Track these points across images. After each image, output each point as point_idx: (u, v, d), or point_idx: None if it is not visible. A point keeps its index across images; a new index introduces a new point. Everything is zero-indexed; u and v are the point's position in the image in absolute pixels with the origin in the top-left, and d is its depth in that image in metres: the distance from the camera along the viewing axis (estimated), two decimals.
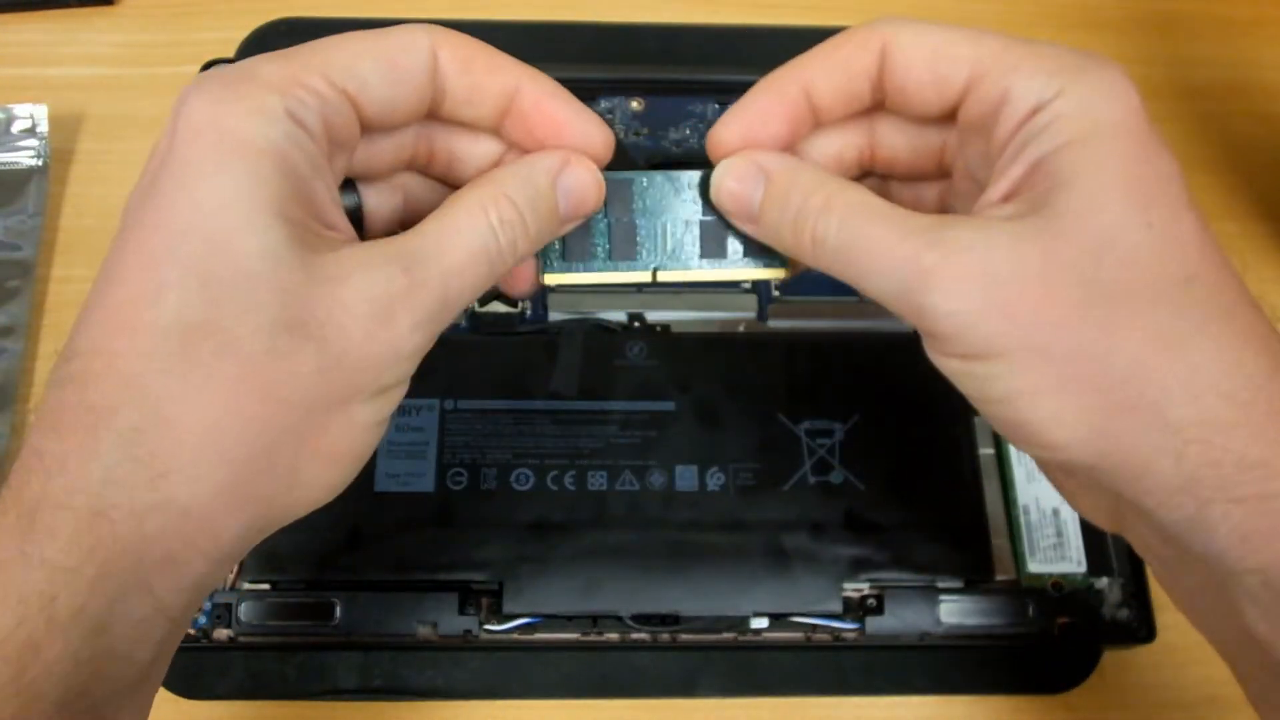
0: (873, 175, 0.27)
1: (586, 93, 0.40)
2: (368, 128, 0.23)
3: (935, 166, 0.26)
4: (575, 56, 0.44)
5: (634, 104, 0.41)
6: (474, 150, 0.25)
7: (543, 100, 0.24)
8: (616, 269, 0.28)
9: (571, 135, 0.24)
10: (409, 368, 0.22)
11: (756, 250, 0.28)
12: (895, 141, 0.26)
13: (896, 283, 0.22)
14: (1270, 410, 0.20)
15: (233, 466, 0.20)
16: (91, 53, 0.43)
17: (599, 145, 0.25)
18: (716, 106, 0.41)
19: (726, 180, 0.25)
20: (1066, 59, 0.22)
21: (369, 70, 0.22)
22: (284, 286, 0.20)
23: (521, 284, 0.26)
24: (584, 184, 0.25)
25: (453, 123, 0.25)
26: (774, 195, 0.24)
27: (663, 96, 0.41)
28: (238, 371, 0.20)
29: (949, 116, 0.24)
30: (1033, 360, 0.21)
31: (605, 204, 0.27)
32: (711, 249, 0.27)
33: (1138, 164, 0.21)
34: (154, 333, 0.20)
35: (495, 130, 0.25)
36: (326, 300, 0.21)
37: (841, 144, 0.26)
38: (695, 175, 0.27)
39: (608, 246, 0.28)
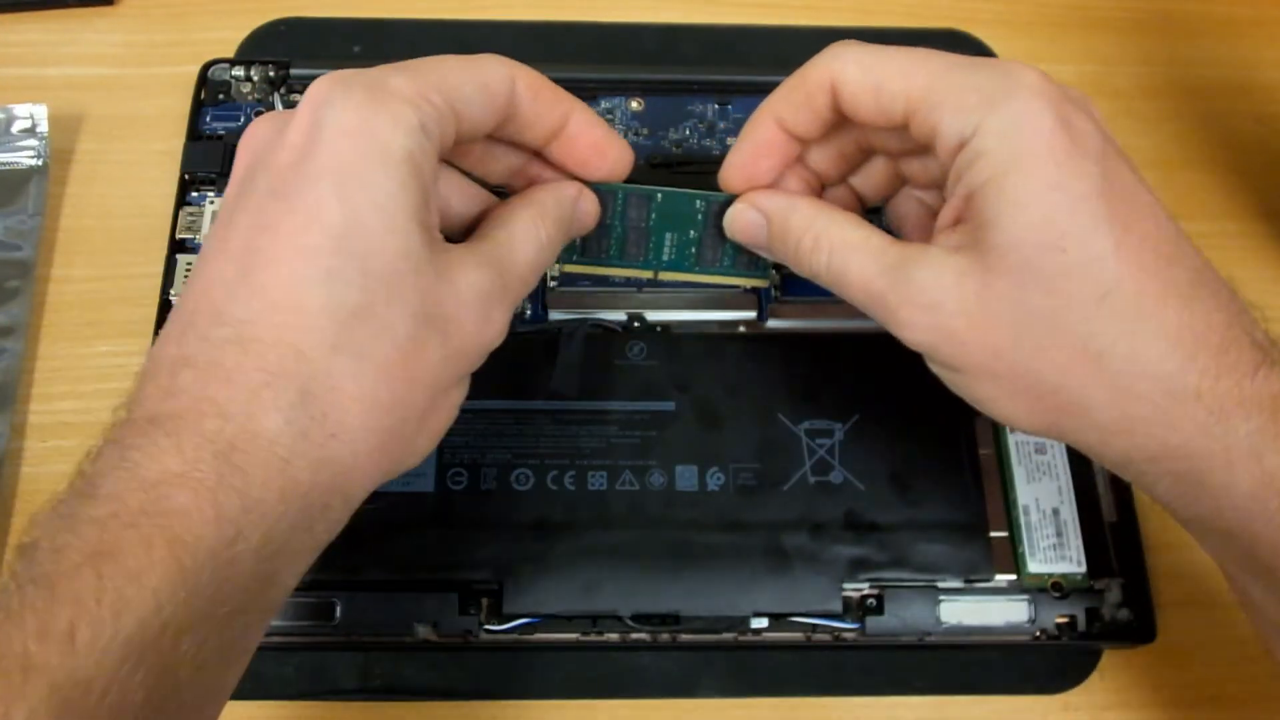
0: (884, 155, 0.30)
1: (587, 93, 0.41)
2: (457, 140, 0.26)
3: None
4: (575, 56, 0.44)
5: (634, 104, 0.41)
6: (506, 155, 0.29)
7: (589, 127, 0.29)
8: (624, 266, 0.33)
9: (610, 154, 0.29)
10: (485, 358, 0.27)
11: (745, 263, 0.33)
12: (886, 138, 0.29)
13: (875, 313, 0.27)
14: (1183, 404, 0.24)
15: (379, 434, 0.24)
16: (91, 53, 0.43)
17: (627, 163, 0.30)
18: (716, 106, 0.41)
19: (736, 224, 0.30)
20: (985, 89, 0.25)
21: (471, 91, 0.26)
22: (421, 285, 0.24)
23: None
24: (589, 212, 0.30)
25: (506, 140, 0.28)
26: (774, 234, 0.29)
27: (663, 96, 0.41)
28: (389, 354, 0.23)
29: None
30: (984, 377, 0.25)
31: (622, 211, 0.31)
32: (707, 258, 0.32)
33: (1050, 193, 0.24)
34: (321, 312, 0.23)
35: (539, 148, 0.29)
36: (449, 298, 0.25)
37: (839, 148, 0.30)
38: (703, 197, 0.31)
39: (621, 247, 0.32)
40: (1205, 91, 0.45)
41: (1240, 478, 0.24)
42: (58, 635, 0.20)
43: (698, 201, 0.31)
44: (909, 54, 0.26)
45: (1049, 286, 0.24)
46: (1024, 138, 0.24)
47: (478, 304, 0.25)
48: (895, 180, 0.31)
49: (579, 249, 0.32)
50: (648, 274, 0.33)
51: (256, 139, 0.25)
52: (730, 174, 0.30)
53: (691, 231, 0.32)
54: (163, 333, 0.24)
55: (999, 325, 0.25)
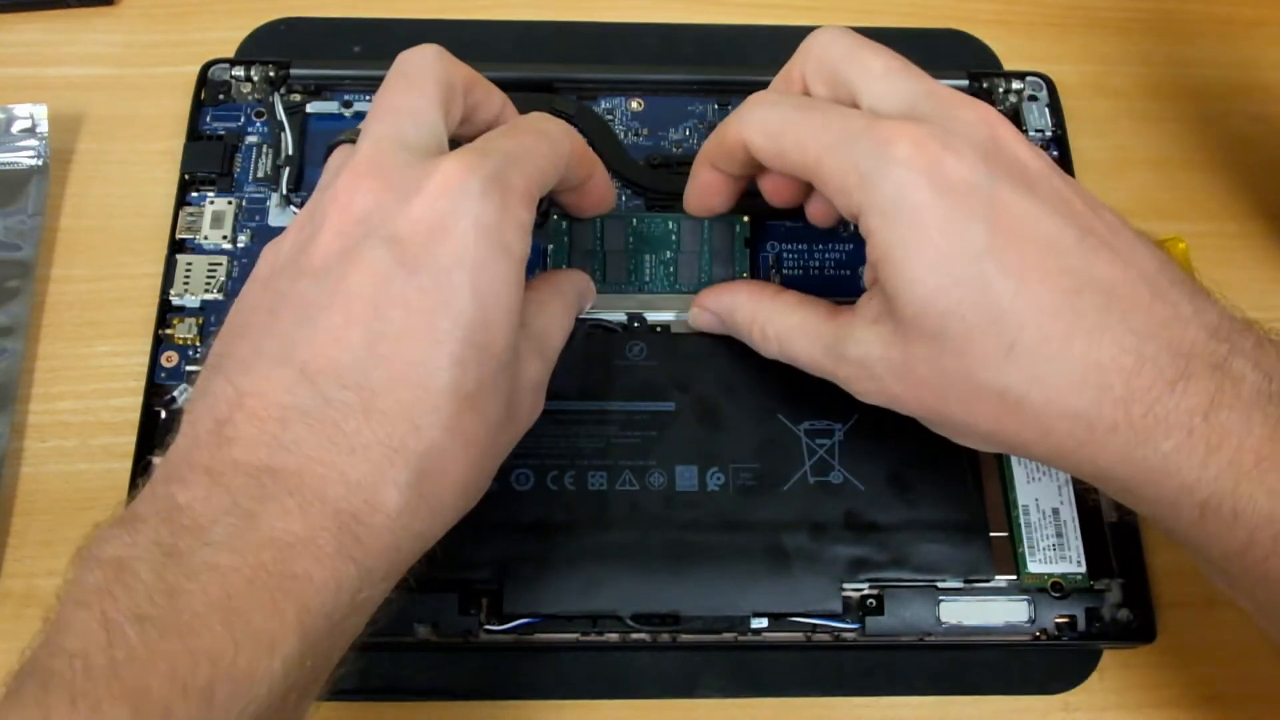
0: None
1: (586, 93, 0.41)
2: None
3: None
4: (575, 56, 0.44)
5: (634, 104, 0.41)
6: None
7: (602, 183, 0.33)
8: (609, 290, 0.35)
9: (607, 200, 0.34)
10: None
11: (720, 280, 0.35)
12: None
13: (834, 381, 0.30)
14: (1103, 435, 0.25)
15: (459, 509, 0.26)
16: (91, 53, 0.43)
17: (612, 204, 0.35)
18: (716, 107, 0.41)
19: (699, 322, 0.35)
20: (862, 168, 0.26)
21: (553, 175, 0.29)
22: (510, 373, 0.26)
23: None
24: (590, 295, 0.34)
25: None
26: (730, 326, 0.33)
27: (663, 96, 0.41)
28: (482, 437, 0.26)
29: None
30: (935, 424, 0.28)
31: (602, 235, 0.35)
32: (685, 275, 0.36)
33: (938, 265, 0.25)
34: (442, 394, 0.24)
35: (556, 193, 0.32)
36: (520, 386, 0.27)
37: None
38: (675, 219, 0.35)
39: (604, 271, 0.36)
40: (1205, 91, 0.45)
41: (1165, 491, 0.25)
42: (196, 692, 0.20)
43: (670, 223, 0.35)
44: (805, 122, 0.28)
45: (959, 348, 0.25)
46: (902, 216, 0.25)
47: (535, 391, 0.28)
48: None
49: None
50: (631, 292, 0.36)
51: (358, 199, 0.25)
52: (689, 207, 0.34)
53: (668, 252, 0.35)
54: (255, 369, 0.24)
55: (928, 386, 0.27)
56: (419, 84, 0.28)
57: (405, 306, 0.24)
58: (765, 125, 0.29)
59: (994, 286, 0.25)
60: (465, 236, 0.25)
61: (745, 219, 0.37)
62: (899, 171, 0.25)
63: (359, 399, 0.23)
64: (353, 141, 0.30)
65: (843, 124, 0.27)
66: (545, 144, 0.28)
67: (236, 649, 0.20)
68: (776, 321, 0.31)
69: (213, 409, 0.24)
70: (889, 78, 0.28)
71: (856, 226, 0.28)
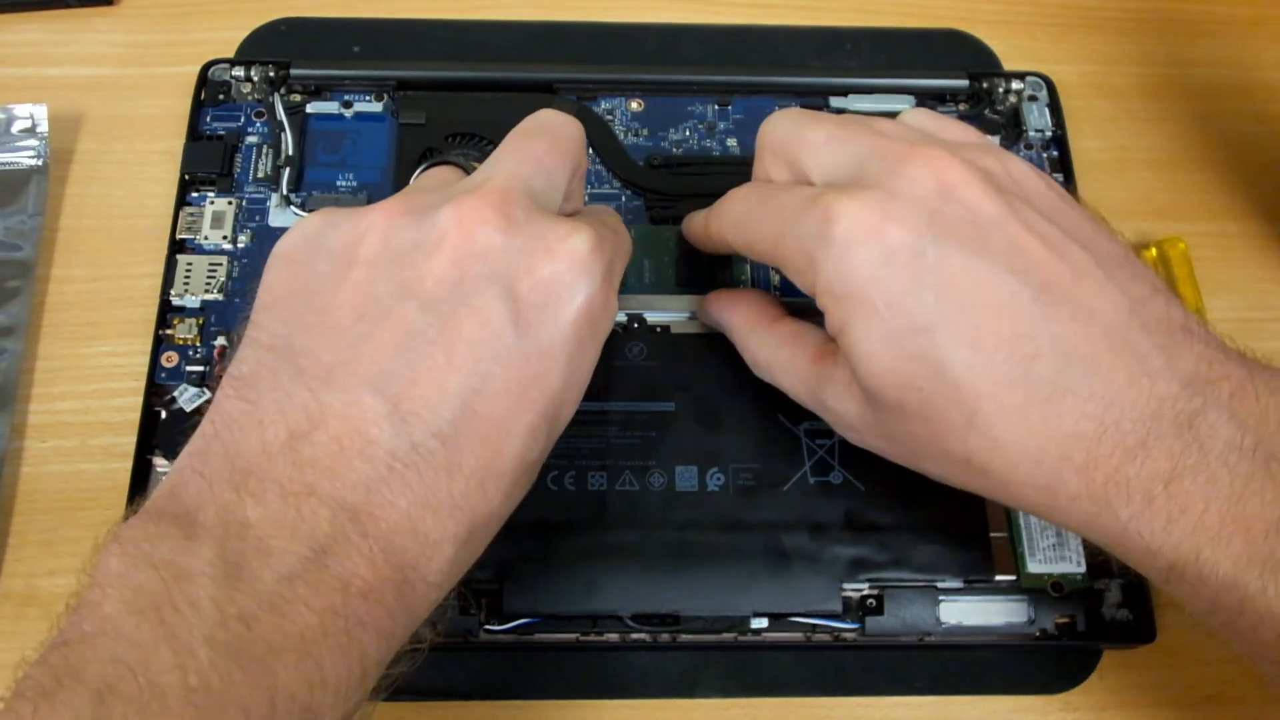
0: None
1: (586, 93, 0.41)
2: None
3: None
4: (575, 56, 0.44)
5: (634, 104, 0.41)
6: None
7: None
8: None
9: None
10: None
11: (719, 285, 0.35)
12: None
13: (817, 414, 0.30)
14: (1065, 503, 0.25)
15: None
16: (91, 53, 0.43)
17: None
18: (716, 107, 0.41)
19: (705, 320, 0.35)
20: (808, 249, 0.26)
21: None
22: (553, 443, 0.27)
23: None
24: None
25: None
26: (727, 336, 0.34)
27: (663, 96, 0.41)
28: (519, 499, 0.26)
29: None
30: (912, 469, 0.28)
31: None
32: (685, 278, 0.37)
33: (889, 341, 0.25)
34: (511, 460, 0.24)
35: None
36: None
37: None
38: (672, 230, 0.36)
39: None
40: (1205, 91, 0.45)
41: (1131, 552, 0.25)
42: None
43: (667, 232, 0.36)
44: (763, 211, 0.29)
45: (922, 416, 0.25)
46: (849, 295, 0.26)
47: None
48: None
49: None
50: (634, 292, 0.36)
51: (482, 231, 0.25)
52: (686, 237, 0.35)
53: (665, 257, 0.36)
54: (343, 387, 0.23)
55: (902, 445, 0.27)
56: (561, 151, 0.28)
57: (506, 366, 0.24)
58: (735, 220, 0.30)
59: (947, 357, 0.24)
60: (577, 314, 0.25)
61: None
62: (840, 251, 0.25)
63: (444, 452, 0.23)
64: (458, 165, 0.30)
65: (791, 206, 0.27)
66: (626, 247, 0.30)
67: (310, 692, 0.20)
68: (765, 354, 0.31)
69: (286, 415, 0.23)
70: (831, 146, 0.28)
71: None
